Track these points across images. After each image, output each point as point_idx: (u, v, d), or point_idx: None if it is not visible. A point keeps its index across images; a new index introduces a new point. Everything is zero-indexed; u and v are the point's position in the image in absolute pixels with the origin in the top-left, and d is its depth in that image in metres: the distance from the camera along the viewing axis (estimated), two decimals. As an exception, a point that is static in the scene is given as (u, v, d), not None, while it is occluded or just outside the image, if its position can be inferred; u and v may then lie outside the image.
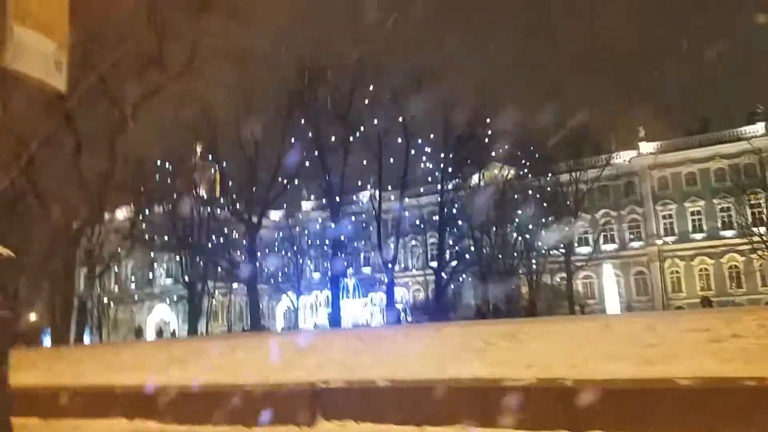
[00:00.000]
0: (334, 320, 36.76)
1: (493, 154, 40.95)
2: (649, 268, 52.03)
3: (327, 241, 48.70)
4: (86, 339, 34.12)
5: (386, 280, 37.38)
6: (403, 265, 49.61)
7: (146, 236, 39.34)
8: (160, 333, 46.02)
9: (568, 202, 46.16)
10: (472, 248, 40.70)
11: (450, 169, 38.48)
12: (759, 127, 48.68)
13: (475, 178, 43.07)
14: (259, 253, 36.38)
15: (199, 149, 38.26)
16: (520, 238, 42.18)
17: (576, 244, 47.87)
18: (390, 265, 37.24)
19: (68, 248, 18.96)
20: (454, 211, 40.02)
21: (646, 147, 53.27)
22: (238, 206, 33.52)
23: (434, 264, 41.38)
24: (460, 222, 40.93)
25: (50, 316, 20.71)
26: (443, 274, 38.89)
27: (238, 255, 35.47)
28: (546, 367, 4.71)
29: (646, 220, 52.57)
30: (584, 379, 4.43)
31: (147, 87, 18.31)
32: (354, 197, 46.09)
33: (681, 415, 4.02)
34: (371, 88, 35.98)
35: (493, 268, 41.25)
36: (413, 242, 53.10)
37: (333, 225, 37.45)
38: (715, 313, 7.19)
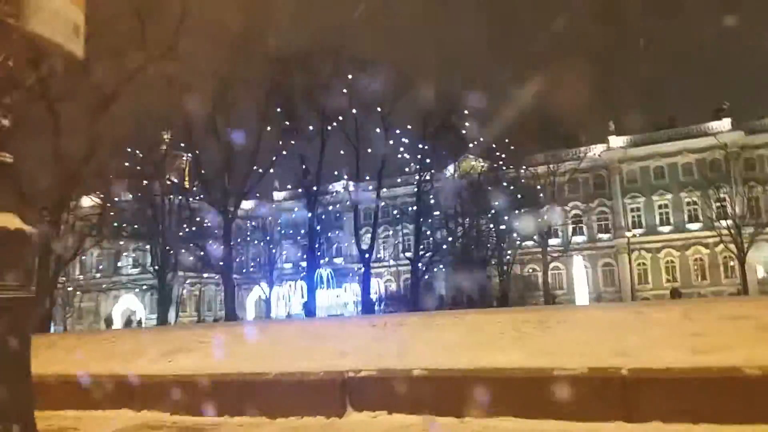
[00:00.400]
0: (310, 311, 36.45)
1: (471, 145, 41.07)
2: (617, 260, 53.00)
3: (302, 231, 48.47)
4: (51, 329, 33.07)
5: (362, 271, 37.17)
6: (376, 256, 49.45)
7: (115, 224, 38.28)
8: (128, 323, 44.97)
9: (540, 195, 46.65)
10: (449, 239, 40.74)
11: (428, 160, 38.38)
12: (725, 123, 49.91)
13: (450, 169, 43.14)
14: (232, 243, 35.76)
15: (168, 135, 37.25)
16: (493, 229, 42.45)
17: (546, 236, 48.35)
18: (367, 255, 37.04)
19: (42, 234, 18.20)
20: (431, 202, 39.98)
21: (616, 141, 54.14)
22: (211, 194, 32.81)
23: (410, 255, 41.37)
24: (435, 213, 40.97)
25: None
26: (420, 264, 38.85)
27: (212, 244, 34.79)
28: (596, 355, 4.59)
29: (615, 212, 53.48)
30: (640, 368, 4.33)
31: (128, 68, 17.70)
32: (330, 187, 45.70)
33: (746, 405, 3.95)
34: (350, 77, 35.62)
35: (467, 258, 41.42)
36: (388, 233, 53.11)
37: (309, 214, 37.02)
38: (746, 301, 7.21)
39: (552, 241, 51.87)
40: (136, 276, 55.58)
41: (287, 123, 35.51)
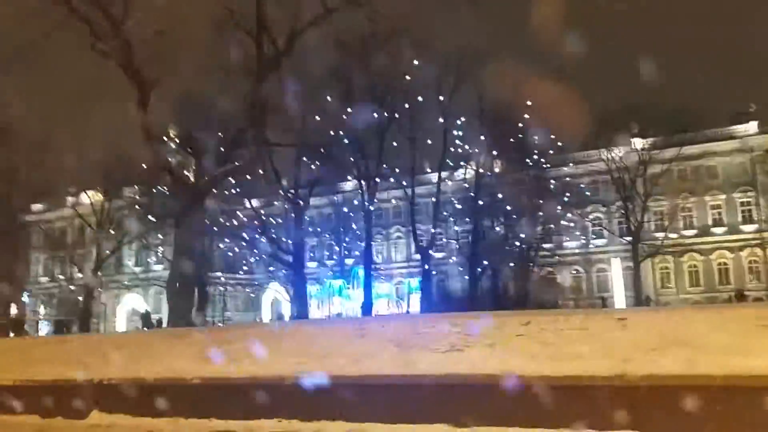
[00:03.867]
0: (367, 310, 34.24)
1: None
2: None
3: (319, 229, 46.49)
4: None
5: (425, 268, 34.96)
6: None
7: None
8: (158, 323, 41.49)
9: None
10: (509, 238, 38.77)
11: (494, 152, 36.59)
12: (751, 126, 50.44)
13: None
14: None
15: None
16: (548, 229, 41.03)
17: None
18: (428, 252, 35.04)
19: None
20: (498, 197, 37.99)
21: (638, 143, 53.36)
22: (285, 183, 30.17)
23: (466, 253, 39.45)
24: (493, 209, 38.75)
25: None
26: (485, 262, 36.89)
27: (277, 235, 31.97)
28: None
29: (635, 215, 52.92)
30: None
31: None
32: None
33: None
34: (416, 62, 33.70)
35: (516, 259, 39.96)
36: (400, 233, 51.06)
37: (371, 207, 34.76)
38: None
39: (570, 244, 51.99)
40: (139, 273, 52.55)
41: (348, 111, 33.25)
